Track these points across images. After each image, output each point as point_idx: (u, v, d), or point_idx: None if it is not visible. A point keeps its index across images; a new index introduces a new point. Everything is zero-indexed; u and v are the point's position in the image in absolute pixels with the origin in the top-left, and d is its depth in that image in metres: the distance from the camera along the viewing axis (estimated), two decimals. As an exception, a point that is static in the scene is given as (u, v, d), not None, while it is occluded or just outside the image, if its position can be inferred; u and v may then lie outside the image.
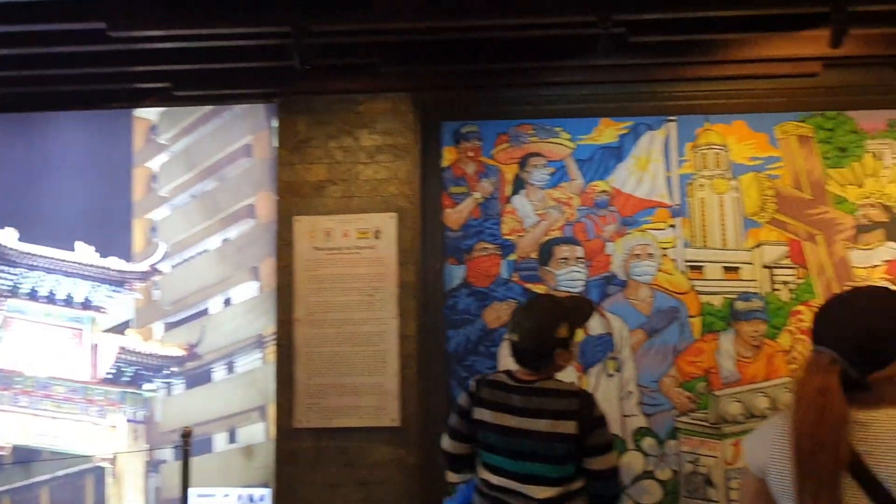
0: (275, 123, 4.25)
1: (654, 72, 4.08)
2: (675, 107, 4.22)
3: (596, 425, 2.01)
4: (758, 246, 4.16)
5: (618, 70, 4.04)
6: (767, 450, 1.48)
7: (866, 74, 4.08)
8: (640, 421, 4.09)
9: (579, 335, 4.00)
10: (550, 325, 2.04)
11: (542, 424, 2.01)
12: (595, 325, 4.13)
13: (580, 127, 4.26)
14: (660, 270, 4.15)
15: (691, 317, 4.13)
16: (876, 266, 4.13)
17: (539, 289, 4.17)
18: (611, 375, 4.12)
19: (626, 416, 4.11)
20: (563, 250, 4.19)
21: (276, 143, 4.22)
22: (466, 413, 2.18)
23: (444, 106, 4.28)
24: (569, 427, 1.97)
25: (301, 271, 4.07)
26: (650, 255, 4.17)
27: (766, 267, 4.14)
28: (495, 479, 2.10)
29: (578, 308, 2.23)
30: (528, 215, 4.23)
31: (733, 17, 3.39)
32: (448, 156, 4.31)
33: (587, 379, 4.11)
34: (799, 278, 4.12)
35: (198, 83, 4.06)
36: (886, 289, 1.56)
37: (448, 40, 3.67)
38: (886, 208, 4.16)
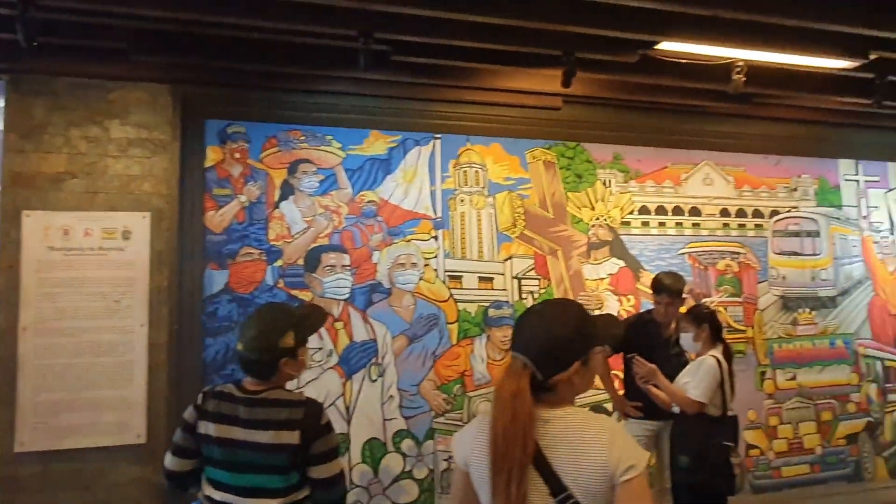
0: (1, 103, 3.71)
1: (420, 91, 4.31)
2: (441, 125, 4.48)
3: (320, 433, 2.03)
4: (509, 258, 4.57)
5: (386, 85, 4.20)
6: (470, 445, 1.63)
7: (598, 113, 4.72)
8: (399, 423, 4.26)
9: (328, 343, 4.08)
10: (275, 334, 2.03)
11: (265, 436, 1.98)
12: (359, 332, 4.23)
13: (351, 137, 4.34)
14: (422, 279, 4.37)
15: (450, 323, 4.41)
16: (603, 278, 4.77)
17: (305, 296, 4.15)
18: (374, 381, 4.24)
19: (387, 419, 4.24)
20: (330, 258, 4.22)
21: (2, 125, 3.68)
22: (192, 427, 2.09)
23: (208, 103, 4.07)
24: (292, 437, 1.98)
25: (30, 274, 3.59)
26: (414, 264, 4.37)
27: (515, 278, 4.57)
28: (217, 495, 2.03)
29: (308, 317, 2.25)
30: (295, 221, 4.19)
31: (484, 49, 3.70)
32: (212, 156, 4.11)
33: (351, 384, 4.18)
34: (542, 288, 4.61)
35: None
36: (569, 301, 1.78)
37: (210, 35, 3.52)
38: (611, 228, 4.83)
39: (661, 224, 4.97)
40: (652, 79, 4.10)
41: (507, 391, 1.53)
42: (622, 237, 4.84)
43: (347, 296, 4.22)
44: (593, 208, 4.81)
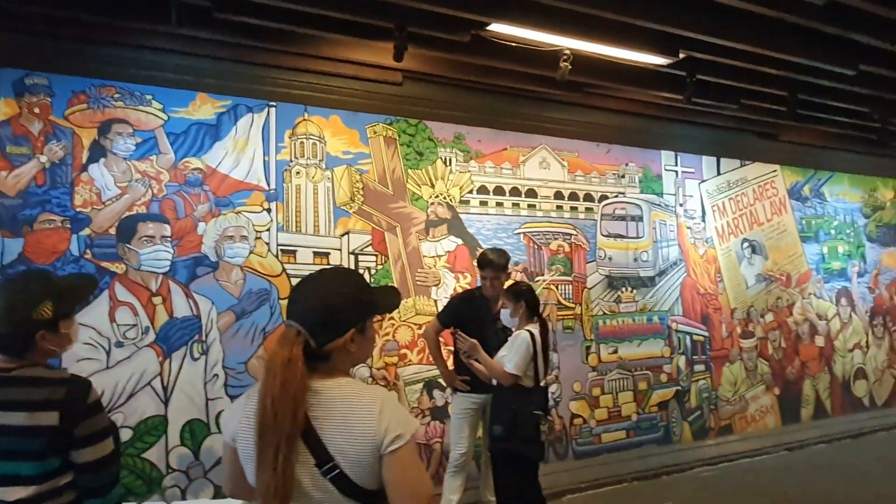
0: None
1: (254, 55, 4.09)
2: (276, 93, 4.29)
3: (87, 414, 1.85)
4: (346, 234, 4.50)
5: (215, 45, 3.94)
6: (238, 419, 1.56)
7: (439, 91, 4.75)
8: (225, 403, 4.06)
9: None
10: (26, 305, 1.82)
11: (17, 418, 1.78)
12: (181, 307, 3.98)
13: (174, 98, 4.03)
14: (252, 253, 4.19)
15: (282, 299, 4.27)
16: (440, 256, 4.85)
17: (118, 268, 3.83)
18: (196, 359, 4.01)
19: (210, 399, 4.04)
20: (147, 227, 3.92)
21: None
22: None
23: (1, 48, 3.59)
24: (50, 419, 1.79)
25: None
26: (243, 237, 4.18)
27: (351, 253, 4.52)
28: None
29: (75, 287, 2.04)
30: (107, 187, 3.84)
31: (318, 16, 3.57)
32: (5, 108, 3.64)
33: (170, 363, 3.93)
34: (379, 264, 4.60)
35: None
36: (344, 268, 1.76)
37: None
38: (450, 207, 4.91)
39: (499, 204, 5.12)
40: (484, 60, 4.18)
41: (280, 359, 1.46)
42: (461, 216, 4.94)
43: (167, 269, 3.94)
44: (433, 186, 4.85)
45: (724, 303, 6.25)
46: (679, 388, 5.86)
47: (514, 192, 5.20)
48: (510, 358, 3.45)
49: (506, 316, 3.66)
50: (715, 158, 6.34)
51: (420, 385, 4.66)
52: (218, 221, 4.11)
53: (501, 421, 3.42)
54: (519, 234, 5.19)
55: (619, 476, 5.24)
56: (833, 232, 7.20)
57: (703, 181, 6.26)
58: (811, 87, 4.95)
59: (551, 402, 5.16)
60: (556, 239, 5.35)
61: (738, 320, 6.33)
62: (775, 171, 6.74)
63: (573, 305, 5.37)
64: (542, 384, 3.57)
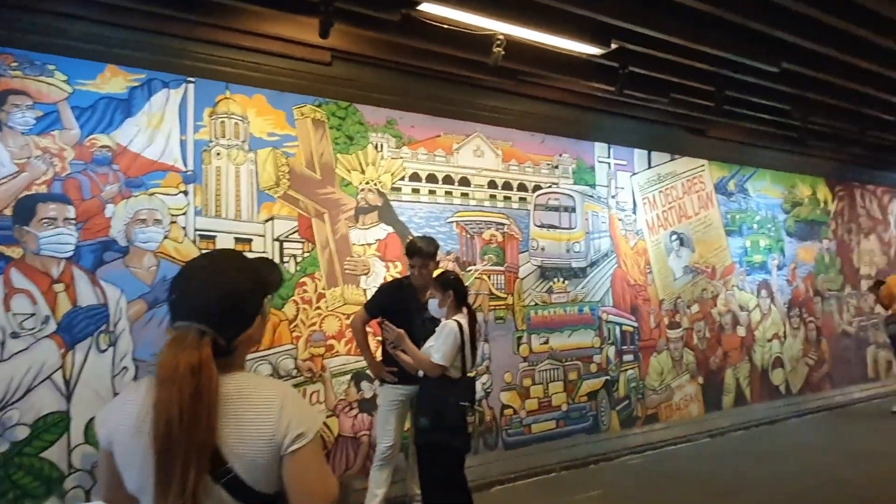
0: None
1: (170, 25, 3.83)
2: (195, 68, 4.04)
3: None
4: (270, 219, 4.30)
5: (126, 13, 3.66)
6: (115, 420, 1.38)
7: (371, 73, 4.60)
8: (135, 397, 3.82)
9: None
10: None
11: None
12: (86, 295, 3.69)
13: (81, 69, 3.72)
14: (167, 238, 3.94)
15: (200, 287, 4.03)
16: (370, 244, 4.71)
17: (13, 252, 3.51)
18: (103, 351, 3.74)
19: (119, 393, 3.78)
20: (48, 209, 3.61)
21: None
22: None
23: None
24: None
25: None
26: (157, 220, 3.92)
27: (276, 240, 4.32)
28: None
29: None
30: (2, 163, 3.51)
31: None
32: None
33: (73, 355, 3.64)
34: (305, 252, 4.42)
35: None
36: (231, 251, 1.57)
37: None
38: (381, 194, 4.77)
39: (432, 192, 5.02)
40: (416, 42, 4.06)
41: (185, 366, 1.27)
42: (392, 203, 4.81)
43: (71, 254, 3.65)
44: (363, 172, 4.70)
45: (653, 294, 6.37)
46: (608, 378, 5.94)
47: (448, 179, 5.11)
48: (437, 349, 3.36)
49: (433, 306, 3.57)
50: (646, 152, 6.44)
51: (348, 377, 4.52)
52: (129, 203, 3.84)
53: (427, 413, 3.33)
54: (451, 222, 5.11)
55: (548, 466, 5.26)
56: (755, 226, 7.46)
57: (635, 174, 6.35)
58: (737, 83, 5.06)
59: (481, 393, 5.13)
60: (489, 228, 5.29)
61: (666, 311, 6.47)
62: (703, 165, 6.92)
63: (505, 296, 5.34)
64: (469, 375, 3.50)
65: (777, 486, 4.90)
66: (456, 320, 3.44)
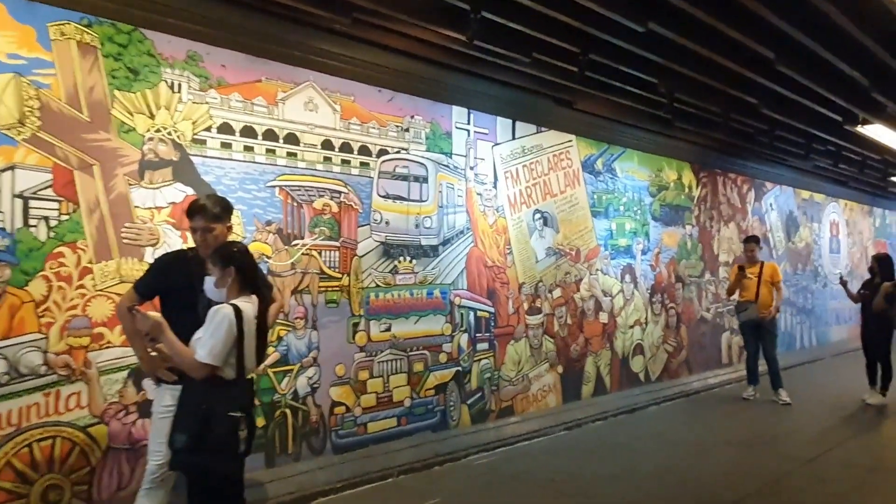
0: None
1: None
2: None
3: None
4: (10, 169, 3.26)
5: None
6: None
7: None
8: None
9: None
10: None
11: None
12: None
13: None
14: None
15: None
16: (162, 208, 3.77)
17: None
18: None
19: None
20: None
21: None
22: None
23: None
24: None
25: None
26: None
27: (19, 196, 3.28)
28: None
29: None
30: None
31: None
32: None
33: None
34: (64, 213, 3.41)
35: None
36: None
37: None
38: (178, 146, 3.83)
39: (248, 149, 4.14)
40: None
41: None
42: (193, 158, 3.89)
43: None
44: (153, 117, 3.74)
45: (513, 276, 5.87)
46: (459, 368, 5.36)
47: (270, 135, 4.24)
48: (203, 342, 2.55)
49: (210, 286, 2.74)
50: (510, 121, 5.89)
51: (124, 374, 3.59)
52: None
53: (185, 427, 2.52)
54: (273, 187, 4.26)
55: (386, 470, 4.60)
56: (622, 208, 7.18)
57: (497, 144, 5.78)
58: (603, 45, 4.58)
59: (306, 389, 4.37)
60: (321, 196, 4.49)
61: (526, 296, 5.99)
62: (570, 141, 6.49)
63: (339, 276, 4.58)
64: (248, 377, 2.72)
65: (628, 483, 4.53)
66: (233, 304, 2.64)
